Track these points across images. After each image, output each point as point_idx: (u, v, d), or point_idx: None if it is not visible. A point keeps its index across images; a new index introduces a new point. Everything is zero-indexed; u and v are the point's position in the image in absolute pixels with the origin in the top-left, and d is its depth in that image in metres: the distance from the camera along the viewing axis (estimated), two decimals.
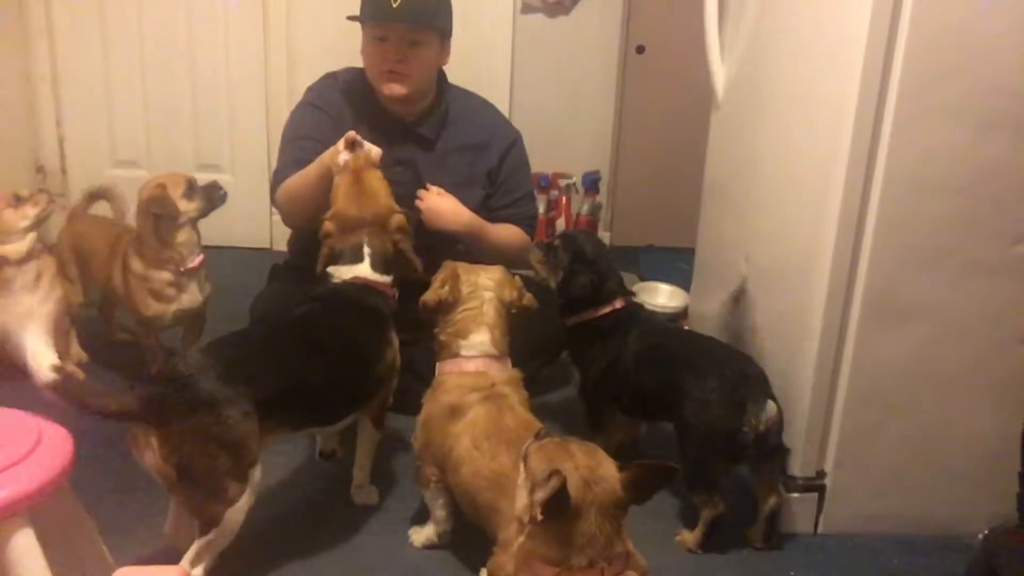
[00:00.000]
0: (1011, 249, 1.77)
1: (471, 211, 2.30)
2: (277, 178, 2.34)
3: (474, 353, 1.76)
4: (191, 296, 2.32)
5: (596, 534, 1.25)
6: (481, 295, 1.79)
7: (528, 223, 2.50)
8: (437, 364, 1.82)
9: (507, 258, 2.23)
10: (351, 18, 2.30)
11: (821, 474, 1.91)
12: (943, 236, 1.75)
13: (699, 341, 2.14)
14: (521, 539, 1.30)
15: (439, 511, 1.80)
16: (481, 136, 2.42)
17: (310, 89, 2.44)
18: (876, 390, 1.84)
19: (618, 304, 2.08)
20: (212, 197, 2.31)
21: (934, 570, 1.84)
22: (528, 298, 1.87)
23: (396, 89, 2.30)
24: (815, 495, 1.92)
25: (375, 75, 2.32)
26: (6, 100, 3.29)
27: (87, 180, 3.43)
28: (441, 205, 2.26)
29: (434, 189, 2.28)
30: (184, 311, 2.33)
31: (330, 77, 2.45)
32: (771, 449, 1.83)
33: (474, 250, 2.30)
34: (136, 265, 2.28)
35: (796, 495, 1.92)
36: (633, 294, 2.16)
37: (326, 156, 2.09)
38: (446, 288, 1.79)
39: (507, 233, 2.41)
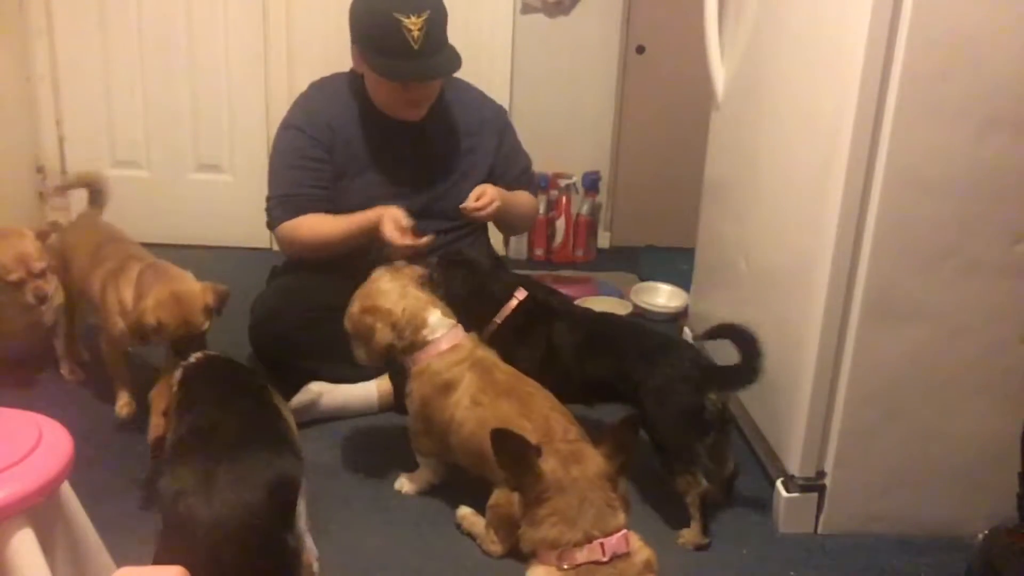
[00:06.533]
0: (1011, 249, 1.77)
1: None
2: (271, 209, 2.33)
3: (442, 331, 1.88)
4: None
5: (585, 507, 1.32)
6: (406, 296, 1.88)
7: (533, 190, 2.64)
8: (409, 360, 1.90)
9: (528, 222, 2.65)
10: (386, 76, 2.22)
11: (821, 474, 1.91)
12: (943, 236, 1.75)
13: (640, 329, 2.17)
14: (522, 530, 1.34)
15: (429, 472, 1.99)
16: (474, 123, 2.44)
17: (295, 107, 2.40)
18: (876, 390, 1.84)
19: (520, 295, 2.09)
20: (220, 310, 2.07)
21: (934, 570, 1.84)
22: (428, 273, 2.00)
23: (415, 116, 2.33)
24: (815, 495, 1.92)
25: (389, 104, 2.31)
26: (6, 100, 3.28)
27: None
28: (493, 190, 2.31)
29: (475, 192, 2.30)
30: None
31: (314, 89, 2.42)
32: (728, 419, 1.92)
33: (503, 223, 2.51)
34: (125, 291, 2.12)
35: (796, 495, 1.92)
36: (530, 283, 2.16)
37: (374, 218, 2.17)
38: (388, 331, 1.86)
39: (525, 199, 2.52)
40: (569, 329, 2.05)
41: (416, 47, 2.15)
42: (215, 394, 1.67)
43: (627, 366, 1.93)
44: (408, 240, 2.13)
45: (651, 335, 2.06)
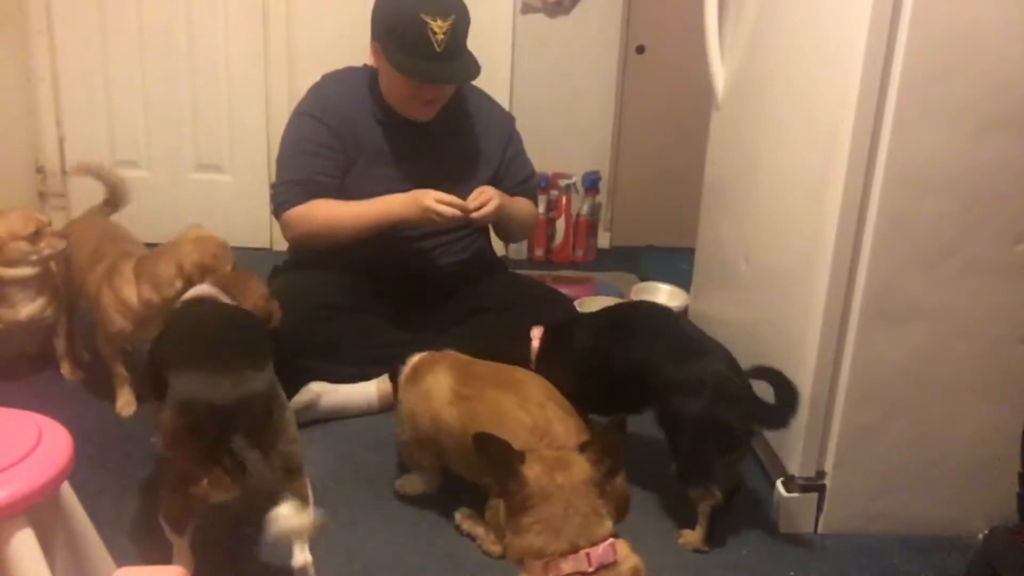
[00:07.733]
0: (1011, 249, 1.77)
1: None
2: (281, 194, 2.33)
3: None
4: (158, 325, 2.21)
5: (570, 515, 1.28)
6: None
7: (535, 199, 2.65)
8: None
9: (527, 231, 2.66)
10: (406, 74, 2.22)
11: (821, 474, 1.91)
12: (943, 236, 1.75)
13: (670, 321, 2.09)
14: (508, 539, 1.33)
15: (427, 481, 1.99)
16: (482, 127, 2.46)
17: (310, 95, 2.41)
18: (876, 390, 1.84)
19: (536, 334, 2.13)
20: None
21: (934, 570, 1.84)
22: None
23: (426, 115, 2.34)
24: (815, 495, 1.92)
25: (402, 102, 2.32)
26: (6, 100, 3.29)
27: (87, 180, 3.44)
28: (492, 189, 2.32)
29: (474, 193, 2.30)
30: (150, 337, 2.25)
31: (330, 80, 2.43)
32: (752, 437, 1.90)
33: (501, 227, 2.49)
34: (123, 289, 2.16)
35: (796, 495, 1.92)
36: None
37: (397, 207, 2.20)
38: None
39: (525, 206, 2.51)
40: (588, 328, 2.06)
41: (439, 49, 2.18)
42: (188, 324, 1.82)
43: (658, 361, 1.87)
44: (455, 210, 2.16)
45: (682, 332, 1.97)
